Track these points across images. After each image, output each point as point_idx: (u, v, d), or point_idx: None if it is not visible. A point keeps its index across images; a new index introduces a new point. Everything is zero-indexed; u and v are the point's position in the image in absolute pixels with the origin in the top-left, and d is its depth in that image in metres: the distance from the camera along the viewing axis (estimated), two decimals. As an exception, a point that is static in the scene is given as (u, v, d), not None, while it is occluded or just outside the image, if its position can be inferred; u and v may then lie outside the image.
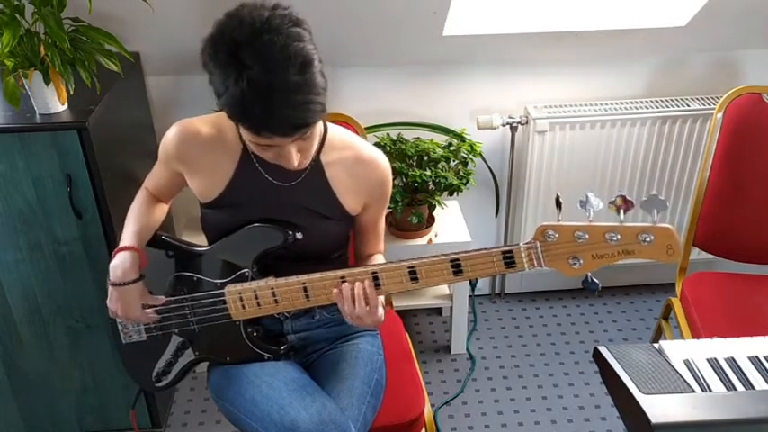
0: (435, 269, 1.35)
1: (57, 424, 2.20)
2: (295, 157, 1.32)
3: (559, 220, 1.27)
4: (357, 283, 1.37)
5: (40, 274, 1.94)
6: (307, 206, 1.48)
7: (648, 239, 1.22)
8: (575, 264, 1.28)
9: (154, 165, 1.60)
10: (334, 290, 1.39)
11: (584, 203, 1.25)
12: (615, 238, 1.24)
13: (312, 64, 1.21)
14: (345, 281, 1.39)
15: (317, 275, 1.40)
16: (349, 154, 1.49)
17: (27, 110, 1.80)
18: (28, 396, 2.14)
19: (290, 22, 1.21)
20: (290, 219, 1.47)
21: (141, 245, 1.51)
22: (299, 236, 1.46)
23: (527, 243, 1.30)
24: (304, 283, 1.41)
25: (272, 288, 1.44)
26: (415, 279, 1.36)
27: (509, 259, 1.31)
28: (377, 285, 1.38)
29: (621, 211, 1.23)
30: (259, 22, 1.19)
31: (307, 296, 1.42)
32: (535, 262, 1.30)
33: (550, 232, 1.27)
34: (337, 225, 1.53)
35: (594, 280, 1.30)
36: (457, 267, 1.33)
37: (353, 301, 1.37)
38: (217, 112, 1.55)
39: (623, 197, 1.22)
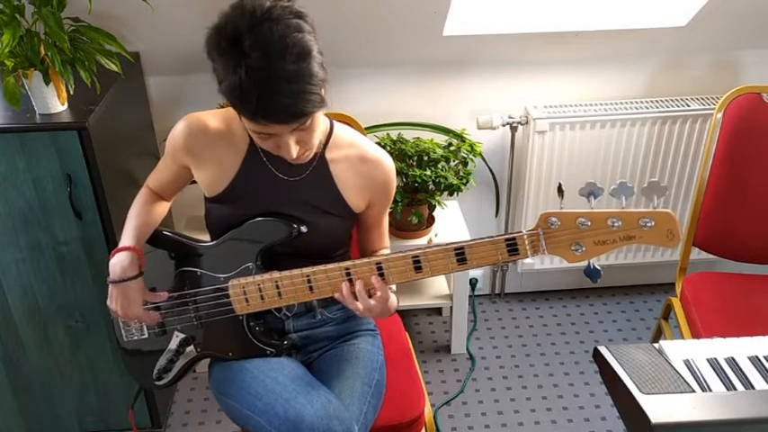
0: (439, 258, 1.35)
1: (57, 424, 2.20)
2: (294, 149, 1.32)
3: (562, 208, 1.29)
4: (357, 281, 1.39)
5: (39, 274, 1.94)
6: (311, 202, 1.49)
7: (649, 224, 1.24)
8: (577, 250, 1.29)
9: (154, 164, 1.60)
10: (336, 294, 1.41)
11: (586, 191, 1.26)
12: (617, 224, 1.25)
13: (310, 54, 1.24)
14: (349, 272, 1.39)
15: (321, 268, 1.41)
16: (354, 152, 1.51)
17: (27, 110, 1.80)
18: (28, 396, 2.14)
19: (290, 13, 1.24)
20: (294, 214, 1.49)
21: (140, 244, 1.52)
22: (303, 229, 1.47)
23: (530, 231, 1.31)
24: (308, 276, 1.42)
25: (276, 281, 1.44)
26: (419, 269, 1.37)
27: (512, 247, 1.32)
28: (380, 276, 1.39)
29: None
30: (260, 11, 1.22)
31: (311, 288, 1.43)
32: (538, 249, 1.31)
33: (553, 219, 1.29)
34: (341, 222, 1.53)
35: (596, 267, 1.30)
36: (461, 256, 1.34)
37: (356, 299, 1.39)
38: (221, 107, 1.56)
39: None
